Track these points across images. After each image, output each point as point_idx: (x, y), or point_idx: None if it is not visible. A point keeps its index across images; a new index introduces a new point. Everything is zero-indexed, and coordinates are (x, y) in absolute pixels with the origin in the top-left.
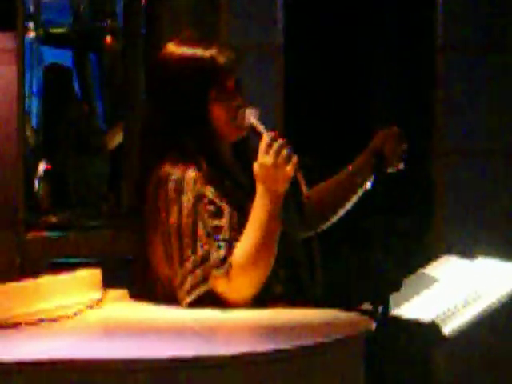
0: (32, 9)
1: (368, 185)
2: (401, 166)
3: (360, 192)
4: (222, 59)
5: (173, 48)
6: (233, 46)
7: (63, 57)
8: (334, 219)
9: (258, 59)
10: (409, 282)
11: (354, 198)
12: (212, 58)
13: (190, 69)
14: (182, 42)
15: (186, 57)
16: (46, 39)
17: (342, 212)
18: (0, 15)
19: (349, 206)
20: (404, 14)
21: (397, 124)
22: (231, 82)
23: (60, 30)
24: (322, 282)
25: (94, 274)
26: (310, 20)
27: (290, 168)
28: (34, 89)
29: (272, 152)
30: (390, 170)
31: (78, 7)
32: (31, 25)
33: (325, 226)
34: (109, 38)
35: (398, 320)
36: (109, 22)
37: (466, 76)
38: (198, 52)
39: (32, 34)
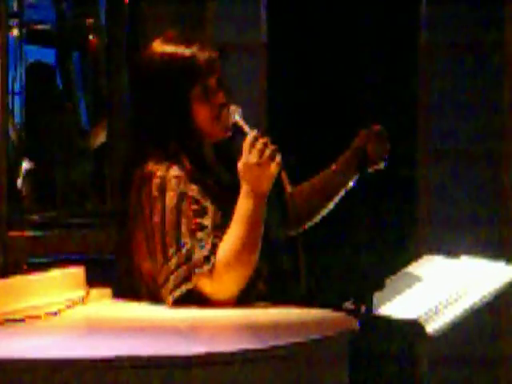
0: (15, 7)
1: (351, 184)
2: (383, 165)
3: (343, 191)
4: (202, 57)
5: (155, 47)
6: (215, 44)
7: (46, 55)
8: (318, 218)
9: (241, 58)
10: (392, 281)
11: (337, 197)
12: (193, 57)
13: (171, 67)
14: (165, 40)
15: (168, 55)
16: (29, 37)
17: (325, 211)
18: None
19: (332, 205)
20: (388, 14)
21: (380, 124)
22: (213, 80)
23: (43, 29)
24: (305, 280)
25: (77, 273)
26: (294, 18)
27: (273, 167)
28: (17, 87)
29: (255, 151)
30: (372, 170)
31: (61, 6)
32: (14, 23)
33: (308, 224)
34: (92, 37)
35: (381, 319)
36: (92, 20)
37: (449, 76)
38: (179, 50)
39: (15, 32)
